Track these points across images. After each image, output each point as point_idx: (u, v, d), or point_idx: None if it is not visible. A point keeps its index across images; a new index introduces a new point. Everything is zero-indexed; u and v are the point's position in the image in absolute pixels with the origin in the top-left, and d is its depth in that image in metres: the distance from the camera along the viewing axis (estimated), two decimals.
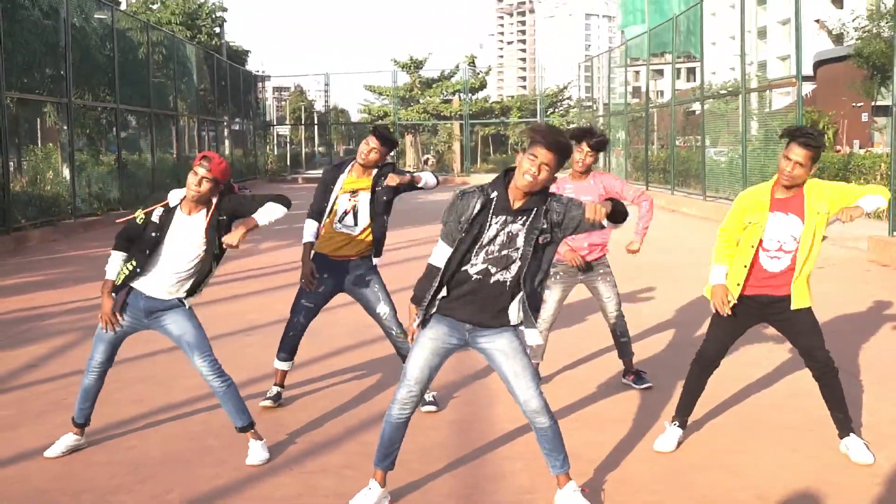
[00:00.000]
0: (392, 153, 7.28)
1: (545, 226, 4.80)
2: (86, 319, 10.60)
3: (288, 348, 7.27)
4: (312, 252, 7.11)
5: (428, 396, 7.02)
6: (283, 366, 7.30)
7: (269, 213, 5.88)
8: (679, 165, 29.57)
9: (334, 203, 7.04)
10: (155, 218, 5.83)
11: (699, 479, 5.60)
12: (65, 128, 22.07)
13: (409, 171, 7.37)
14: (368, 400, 7.36)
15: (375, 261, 7.13)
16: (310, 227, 7.10)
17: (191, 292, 5.96)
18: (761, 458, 5.91)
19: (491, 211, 4.82)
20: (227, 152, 41.62)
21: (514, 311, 4.89)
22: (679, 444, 6.09)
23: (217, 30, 46.46)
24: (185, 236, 5.82)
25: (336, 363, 8.62)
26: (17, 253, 17.41)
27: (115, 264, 5.90)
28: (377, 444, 5.15)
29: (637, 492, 5.38)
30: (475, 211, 4.82)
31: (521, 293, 4.86)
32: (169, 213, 5.85)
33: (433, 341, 4.98)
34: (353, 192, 7.02)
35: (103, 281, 5.88)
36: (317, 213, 7.11)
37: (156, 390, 7.67)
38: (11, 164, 20.18)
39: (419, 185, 7.12)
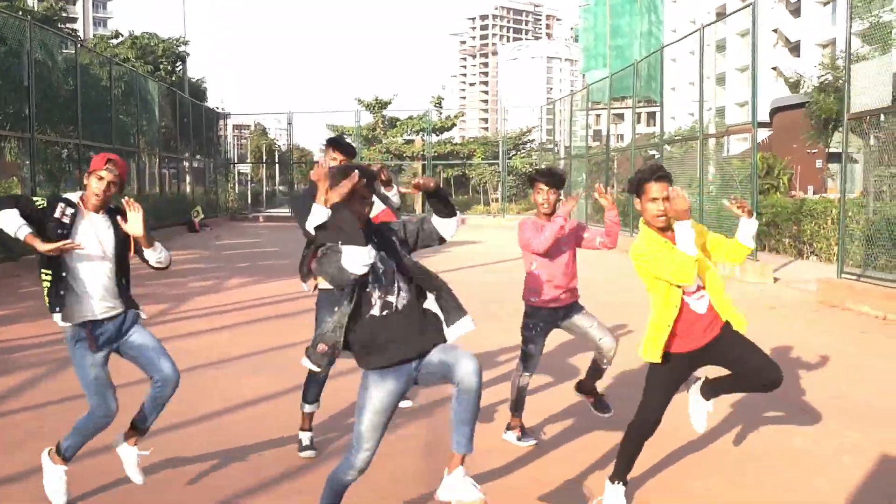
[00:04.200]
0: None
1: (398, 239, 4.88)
2: (55, 352, 10.73)
3: (316, 393, 7.07)
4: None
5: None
6: (310, 409, 7.08)
7: (161, 246, 5.76)
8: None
9: None
10: (66, 219, 5.55)
11: None
12: (27, 163, 22.03)
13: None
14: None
15: None
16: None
17: (128, 298, 5.77)
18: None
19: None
20: (188, 189, 41.67)
21: (438, 313, 4.88)
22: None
23: (178, 65, 46.61)
24: (93, 232, 5.61)
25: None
26: None
27: (11, 218, 5.42)
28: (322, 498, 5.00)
29: None
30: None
31: (428, 295, 4.87)
32: (75, 213, 5.60)
33: (381, 401, 4.78)
34: None
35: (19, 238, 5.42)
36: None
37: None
38: None
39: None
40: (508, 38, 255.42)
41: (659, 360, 5.60)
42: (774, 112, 50.87)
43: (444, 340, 4.85)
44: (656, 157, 32.14)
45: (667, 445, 6.99)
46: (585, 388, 7.55)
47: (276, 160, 73.55)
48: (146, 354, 5.75)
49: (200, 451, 6.96)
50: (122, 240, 5.65)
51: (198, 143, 43.41)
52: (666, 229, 5.52)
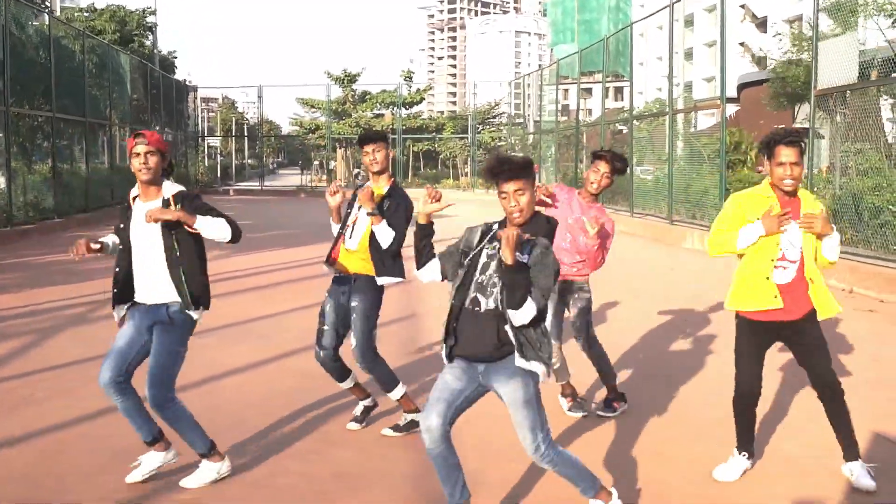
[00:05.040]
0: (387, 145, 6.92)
1: (524, 259, 4.67)
2: (41, 321, 10.95)
3: (337, 376, 6.97)
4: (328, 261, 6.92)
5: (404, 420, 6.89)
6: (345, 385, 7.05)
7: (213, 226, 5.61)
8: None
9: (349, 210, 6.94)
10: (120, 213, 5.77)
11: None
12: (0, 136, 22.04)
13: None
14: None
15: (380, 281, 6.74)
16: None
17: (194, 298, 5.67)
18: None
19: (487, 239, 4.91)
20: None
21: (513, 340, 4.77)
22: (744, 472, 6.01)
23: (149, 38, 46.46)
24: (145, 233, 5.61)
25: (287, 364, 9.02)
26: None
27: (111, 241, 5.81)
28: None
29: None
30: (475, 240, 4.94)
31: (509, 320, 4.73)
32: (128, 207, 5.75)
33: (452, 378, 4.91)
34: (360, 206, 6.80)
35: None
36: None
37: None
38: None
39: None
40: (476, 11, 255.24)
41: (733, 310, 5.89)
42: (742, 87, 51.23)
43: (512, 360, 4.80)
44: (624, 132, 32.46)
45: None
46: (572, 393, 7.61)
47: (245, 134, 73.44)
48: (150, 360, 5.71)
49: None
50: (169, 229, 5.57)
51: (168, 116, 43.33)
52: (791, 195, 5.68)
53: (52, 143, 25.64)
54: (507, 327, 4.73)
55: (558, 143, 37.56)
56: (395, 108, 53.06)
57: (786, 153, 5.55)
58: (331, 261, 6.89)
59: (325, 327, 6.84)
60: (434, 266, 5.02)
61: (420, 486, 5.66)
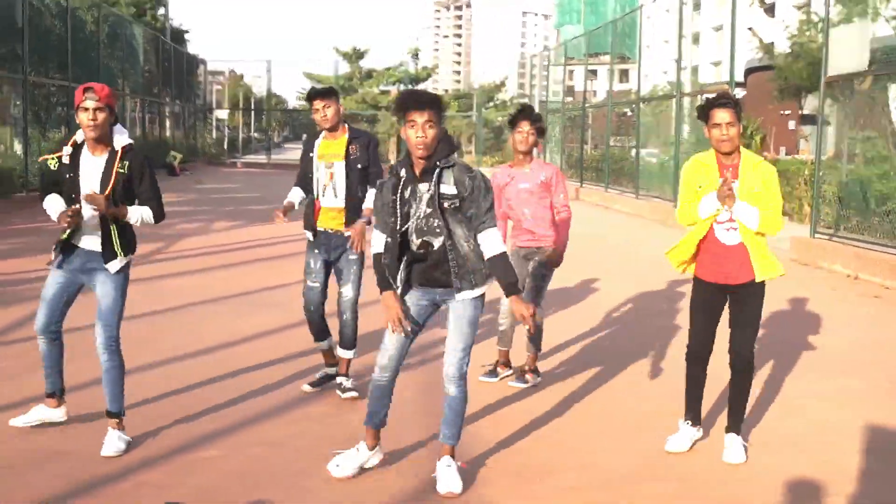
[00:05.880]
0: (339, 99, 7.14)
1: (453, 192, 5.11)
2: None
3: (319, 333, 7.28)
4: (314, 227, 7.08)
5: (347, 383, 7.10)
6: (322, 345, 7.34)
7: (141, 214, 5.79)
8: (612, 164, 30.42)
9: (315, 175, 7.09)
10: (66, 159, 5.73)
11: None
12: (17, 103, 22.32)
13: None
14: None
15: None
16: (294, 192, 7.22)
17: (123, 245, 5.80)
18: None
19: (401, 186, 5.18)
20: (167, 133, 41.82)
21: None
22: (693, 443, 6.17)
23: (161, 11, 46.55)
24: (94, 176, 5.70)
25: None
26: None
27: (55, 202, 5.83)
28: (367, 405, 5.53)
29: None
30: (391, 191, 5.21)
31: (453, 255, 5.16)
32: (77, 151, 5.74)
33: (413, 306, 5.33)
34: (329, 163, 7.02)
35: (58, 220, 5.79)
36: (301, 181, 7.24)
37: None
38: None
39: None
40: None
41: (674, 266, 6.10)
42: (749, 72, 51.19)
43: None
44: (629, 114, 32.59)
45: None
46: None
47: (252, 107, 73.47)
48: (99, 304, 5.87)
49: (207, 377, 7.47)
50: (114, 181, 5.67)
51: (178, 88, 43.47)
52: (730, 153, 5.79)
53: (67, 111, 25.81)
54: (453, 260, 5.15)
55: (563, 123, 37.65)
56: (402, 85, 53.16)
57: (720, 115, 5.72)
58: (312, 225, 7.11)
59: (315, 284, 7.14)
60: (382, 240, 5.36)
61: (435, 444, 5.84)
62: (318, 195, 7.09)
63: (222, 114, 62.06)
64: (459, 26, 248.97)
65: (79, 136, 5.75)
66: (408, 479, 5.44)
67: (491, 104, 56.61)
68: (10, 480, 5.30)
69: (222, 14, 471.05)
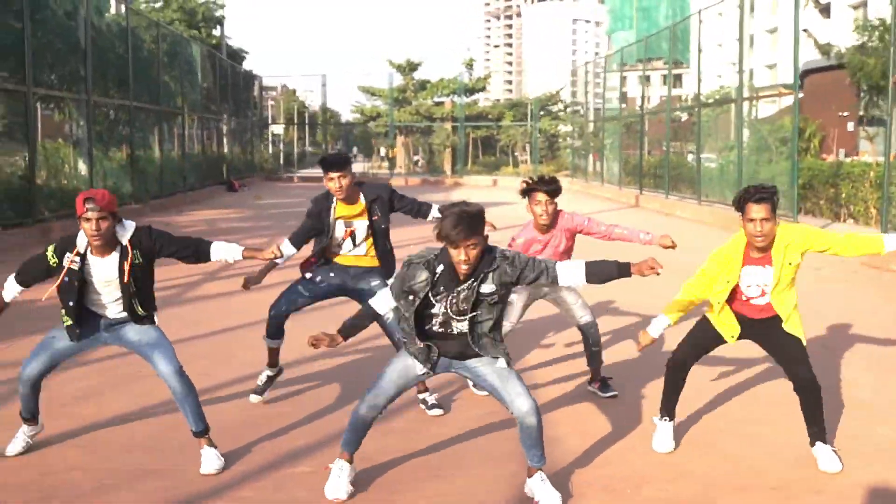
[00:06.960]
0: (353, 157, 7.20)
1: (493, 290, 5.15)
2: None
3: (274, 332, 7.30)
4: (321, 260, 7.23)
5: (431, 399, 7.15)
6: (272, 344, 7.36)
7: (222, 253, 6.06)
8: (671, 171, 30.27)
9: (333, 228, 7.08)
10: (67, 264, 5.69)
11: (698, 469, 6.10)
12: (81, 124, 22.68)
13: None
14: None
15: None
16: (286, 246, 7.14)
17: (145, 310, 5.92)
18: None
19: (436, 284, 5.17)
20: (225, 150, 42.28)
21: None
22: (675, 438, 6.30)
23: (217, 30, 47.19)
24: (103, 279, 5.73)
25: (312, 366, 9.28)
26: (42, 243, 17.78)
27: (11, 289, 5.96)
28: (346, 430, 5.57)
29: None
30: (421, 284, 5.18)
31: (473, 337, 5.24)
32: (83, 258, 5.70)
33: (406, 367, 5.43)
34: (349, 222, 7.06)
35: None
36: (297, 239, 7.21)
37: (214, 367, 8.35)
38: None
39: None
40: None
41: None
42: (805, 75, 50.82)
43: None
44: (683, 119, 32.43)
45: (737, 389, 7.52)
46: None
47: (307, 121, 74.08)
48: (141, 351, 5.95)
49: (284, 392, 7.57)
50: (130, 273, 5.71)
51: (235, 105, 43.96)
52: (764, 250, 5.80)
53: (131, 131, 26.33)
54: (473, 342, 5.25)
55: (620, 131, 37.54)
56: (457, 96, 53.35)
57: (755, 210, 5.67)
58: (327, 259, 7.23)
59: (307, 295, 7.23)
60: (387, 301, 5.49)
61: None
62: (338, 244, 7.16)
63: (278, 129, 62.70)
64: (510, 35, 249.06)
65: (80, 244, 5.70)
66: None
67: (543, 113, 56.55)
68: (97, 499, 5.39)
69: (276, 30, 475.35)
